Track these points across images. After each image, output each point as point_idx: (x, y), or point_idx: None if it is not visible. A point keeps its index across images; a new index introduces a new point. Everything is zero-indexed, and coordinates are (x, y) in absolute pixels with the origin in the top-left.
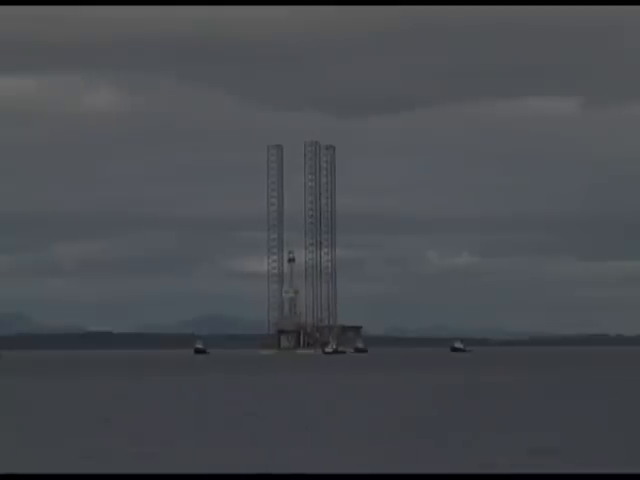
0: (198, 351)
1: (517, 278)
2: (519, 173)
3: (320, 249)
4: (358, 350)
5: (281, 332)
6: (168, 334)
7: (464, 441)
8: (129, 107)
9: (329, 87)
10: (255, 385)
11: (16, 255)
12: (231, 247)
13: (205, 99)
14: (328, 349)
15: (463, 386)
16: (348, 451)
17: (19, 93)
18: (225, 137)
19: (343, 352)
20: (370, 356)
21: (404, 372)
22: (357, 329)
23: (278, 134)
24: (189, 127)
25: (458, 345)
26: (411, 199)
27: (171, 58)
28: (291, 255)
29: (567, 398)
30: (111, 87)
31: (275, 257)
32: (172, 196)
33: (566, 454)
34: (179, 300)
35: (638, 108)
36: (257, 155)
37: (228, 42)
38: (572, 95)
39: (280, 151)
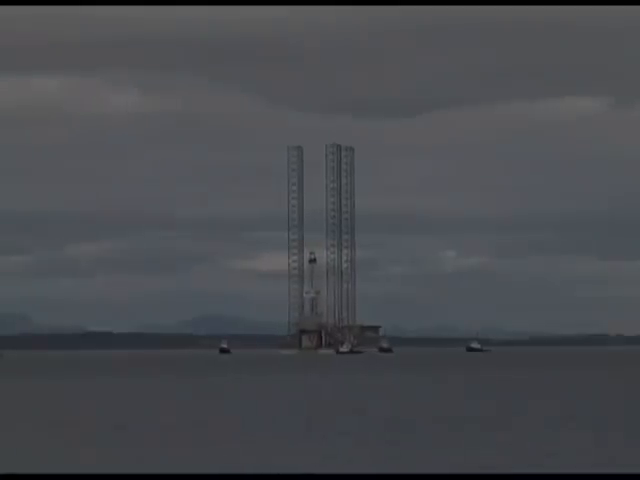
0: (223, 351)
1: (517, 279)
2: (550, 173)
3: (340, 249)
4: (383, 350)
5: (302, 332)
6: (168, 334)
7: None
8: (146, 107)
9: (348, 88)
10: (310, 384)
11: (16, 255)
12: (232, 247)
13: (224, 99)
14: (343, 349)
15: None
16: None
17: (39, 93)
18: (244, 137)
19: (360, 352)
20: (392, 356)
21: (446, 373)
22: (376, 329)
23: (297, 135)
24: (206, 127)
25: (475, 345)
26: (430, 199)
27: (189, 58)
28: (312, 256)
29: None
30: (129, 87)
31: (295, 257)
32: (183, 195)
33: None
34: (179, 300)
35: None
36: (268, 155)
37: (247, 41)
38: (601, 95)
39: (300, 152)
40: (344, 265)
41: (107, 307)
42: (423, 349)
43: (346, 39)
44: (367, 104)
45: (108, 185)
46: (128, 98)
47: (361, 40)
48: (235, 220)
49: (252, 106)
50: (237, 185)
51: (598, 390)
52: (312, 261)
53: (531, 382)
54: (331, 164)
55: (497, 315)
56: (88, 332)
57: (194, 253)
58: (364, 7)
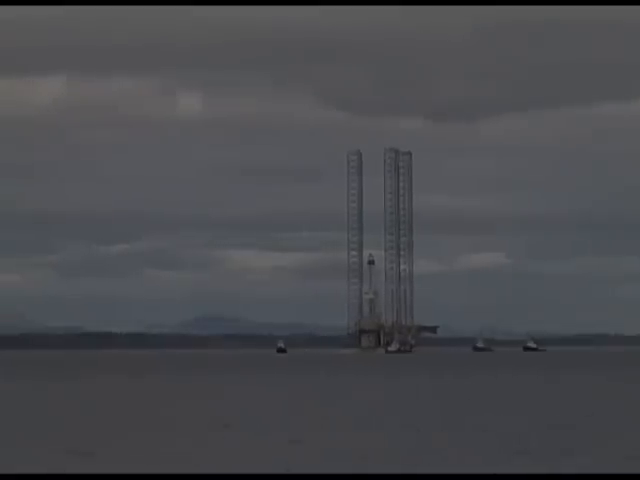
0: (280, 350)
1: (515, 279)
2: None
3: (399, 251)
4: (478, 349)
5: (362, 332)
6: (169, 334)
7: None
8: (207, 108)
9: (412, 91)
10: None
11: (16, 255)
12: (235, 247)
13: (287, 100)
14: (391, 348)
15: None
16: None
17: (103, 95)
18: (302, 139)
19: (407, 351)
20: (445, 356)
21: (523, 373)
22: (433, 328)
23: (357, 138)
24: (267, 127)
25: (531, 344)
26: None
27: (252, 58)
28: (371, 257)
29: None
30: (189, 89)
31: (355, 259)
32: (227, 196)
33: None
34: (180, 300)
35: None
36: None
37: (309, 43)
38: None
39: (359, 157)
40: (402, 267)
41: (107, 307)
42: (453, 349)
43: (418, 40)
44: (445, 105)
45: (109, 185)
46: (189, 99)
47: (427, 40)
48: (265, 221)
49: (313, 108)
50: (283, 186)
51: None
52: (370, 262)
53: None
54: (388, 168)
55: (497, 315)
56: (88, 332)
57: (197, 253)
58: (427, 7)
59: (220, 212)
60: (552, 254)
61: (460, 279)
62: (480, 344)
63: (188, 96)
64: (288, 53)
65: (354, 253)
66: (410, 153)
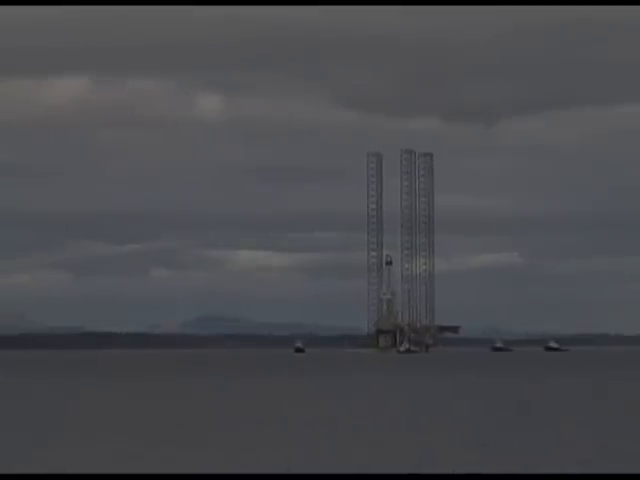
0: (298, 350)
1: (515, 279)
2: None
3: (418, 252)
4: (497, 349)
5: (380, 332)
6: (170, 334)
7: None
8: (226, 108)
9: (435, 91)
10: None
11: (17, 255)
12: (237, 249)
13: (303, 100)
14: (401, 348)
15: None
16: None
17: (130, 95)
18: (322, 139)
19: (419, 351)
20: (462, 355)
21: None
22: (455, 328)
23: (373, 138)
24: (283, 128)
25: (553, 344)
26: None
27: (270, 57)
28: (388, 258)
29: None
30: (208, 89)
31: (374, 260)
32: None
33: None
34: (180, 300)
35: None
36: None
37: (325, 42)
38: None
39: (379, 158)
40: (422, 267)
41: (106, 307)
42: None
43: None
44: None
45: (115, 185)
46: (205, 100)
47: (444, 39)
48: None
49: (333, 109)
50: (301, 186)
51: None
52: (388, 263)
53: None
54: (405, 169)
55: (496, 316)
56: (88, 332)
57: (198, 253)
58: (443, 7)
59: (229, 212)
60: (554, 254)
61: (474, 279)
62: (499, 344)
63: (205, 96)
64: (304, 52)
65: (373, 254)
66: (431, 154)
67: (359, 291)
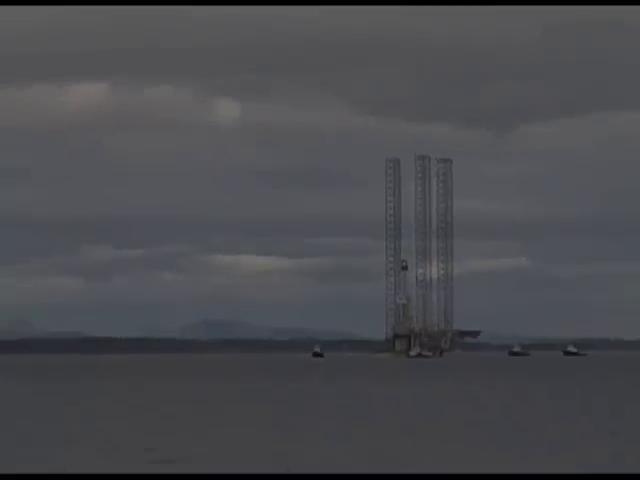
0: (316, 354)
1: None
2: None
3: (432, 257)
4: (514, 353)
5: (396, 336)
6: (170, 339)
7: None
8: (242, 114)
9: (448, 98)
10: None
11: (16, 261)
12: (238, 249)
13: (319, 105)
14: (412, 353)
15: None
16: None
17: (151, 100)
18: (338, 145)
19: (427, 356)
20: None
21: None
22: (476, 333)
23: (389, 143)
24: (299, 134)
25: (572, 349)
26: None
27: (284, 64)
28: (404, 263)
29: None
30: (224, 95)
31: (391, 265)
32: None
33: None
34: (181, 304)
35: None
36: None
37: (340, 47)
38: None
39: (397, 164)
40: (440, 272)
41: (108, 312)
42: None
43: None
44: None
45: (124, 188)
46: (224, 105)
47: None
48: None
49: (350, 114)
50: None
51: None
52: (404, 268)
53: None
54: (420, 174)
55: (495, 319)
56: (89, 337)
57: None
58: (460, 7)
59: (239, 216)
60: (569, 258)
61: (489, 283)
62: (517, 348)
63: (220, 102)
64: (320, 57)
65: (391, 259)
66: (450, 160)
67: (362, 296)
